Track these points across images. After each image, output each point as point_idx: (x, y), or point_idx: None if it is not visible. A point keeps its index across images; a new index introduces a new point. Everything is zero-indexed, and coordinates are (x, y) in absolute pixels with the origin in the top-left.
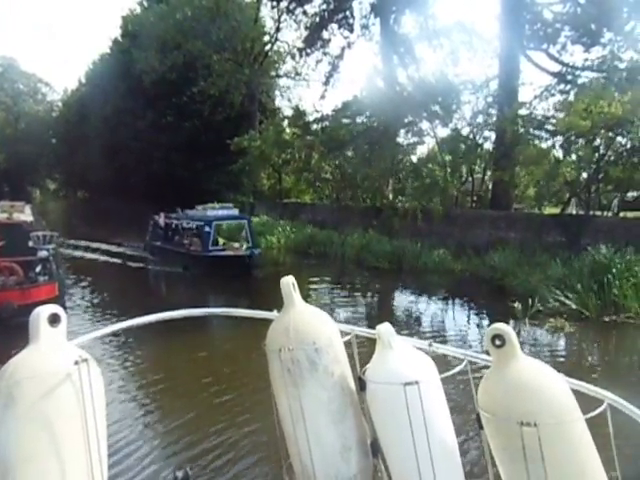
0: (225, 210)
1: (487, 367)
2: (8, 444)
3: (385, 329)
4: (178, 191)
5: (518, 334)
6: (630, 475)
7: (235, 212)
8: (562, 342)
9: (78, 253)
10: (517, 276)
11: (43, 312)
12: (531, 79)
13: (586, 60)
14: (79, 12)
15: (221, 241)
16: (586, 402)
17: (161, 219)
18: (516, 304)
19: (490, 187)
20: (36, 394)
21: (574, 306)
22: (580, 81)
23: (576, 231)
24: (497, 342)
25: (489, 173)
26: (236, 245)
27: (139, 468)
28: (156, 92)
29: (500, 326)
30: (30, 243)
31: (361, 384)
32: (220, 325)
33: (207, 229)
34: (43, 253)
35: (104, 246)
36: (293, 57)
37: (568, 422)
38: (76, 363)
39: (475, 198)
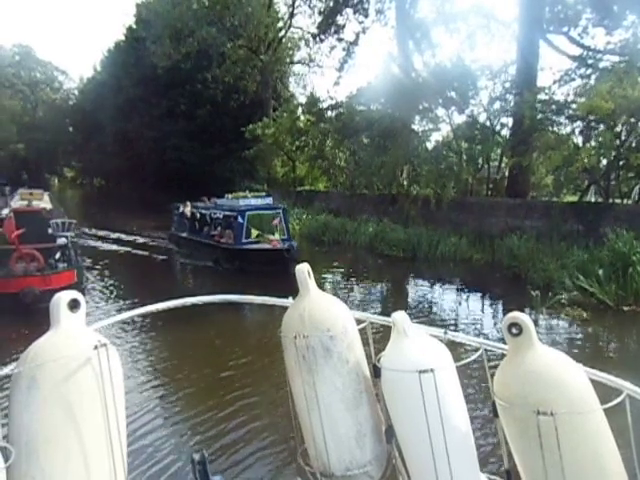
0: (258, 199)
1: (503, 356)
2: (32, 425)
3: (400, 317)
4: (192, 178)
5: (535, 323)
6: None
7: (269, 201)
8: (580, 332)
9: (98, 244)
10: (534, 265)
11: (63, 297)
12: (550, 64)
13: (608, 43)
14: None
15: (254, 233)
16: (605, 392)
17: (187, 208)
18: (534, 293)
19: (506, 174)
20: (58, 377)
21: (592, 295)
22: (601, 65)
23: (594, 219)
24: (514, 330)
25: (505, 160)
26: (271, 237)
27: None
28: (170, 80)
29: (517, 314)
30: (49, 230)
31: (376, 371)
32: (237, 312)
33: (240, 220)
34: (62, 240)
35: (124, 236)
36: (307, 43)
37: (585, 412)
38: (95, 347)
39: (491, 186)
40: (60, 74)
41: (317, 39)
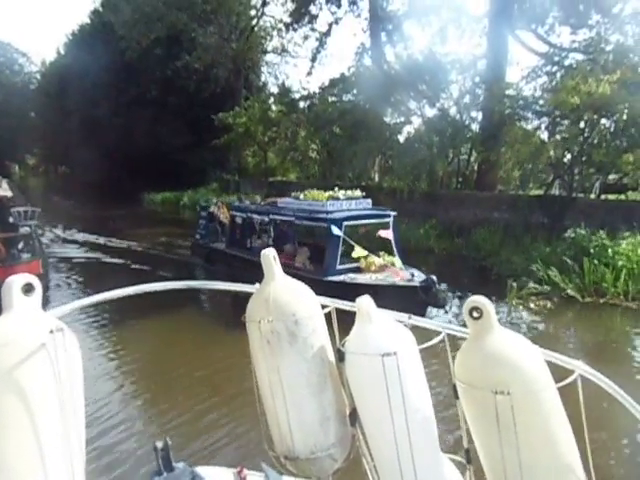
0: (352, 201)
1: (465, 339)
2: None
3: (365, 302)
4: (162, 167)
5: (498, 314)
6: (599, 437)
7: (368, 203)
8: (542, 322)
9: (86, 254)
10: (500, 256)
11: (17, 281)
12: (519, 59)
13: (573, 42)
14: None
15: (359, 252)
16: (560, 372)
17: (221, 210)
18: (511, 284)
19: (476, 168)
20: (9, 363)
21: (556, 286)
22: (566, 63)
23: (559, 212)
24: (475, 314)
25: (475, 154)
26: (378, 262)
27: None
28: (139, 66)
29: (478, 298)
30: (10, 219)
31: (340, 355)
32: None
33: (336, 232)
34: (25, 229)
35: (118, 243)
36: (280, 32)
37: (540, 390)
38: (51, 332)
39: (460, 179)
40: (20, 56)
41: (290, 28)
